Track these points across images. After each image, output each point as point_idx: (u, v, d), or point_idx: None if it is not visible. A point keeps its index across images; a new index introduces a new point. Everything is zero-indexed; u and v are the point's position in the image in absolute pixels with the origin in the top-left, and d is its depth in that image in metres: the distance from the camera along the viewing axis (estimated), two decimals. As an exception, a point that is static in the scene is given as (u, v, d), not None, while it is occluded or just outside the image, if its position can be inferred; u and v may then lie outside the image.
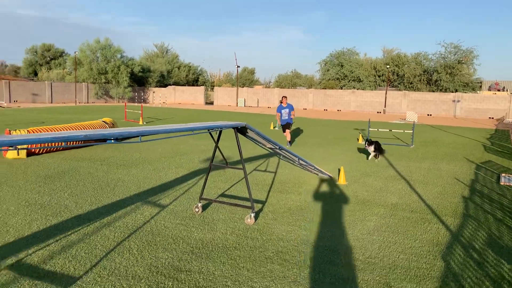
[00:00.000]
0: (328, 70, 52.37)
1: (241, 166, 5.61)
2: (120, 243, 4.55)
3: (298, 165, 8.04)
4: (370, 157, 10.67)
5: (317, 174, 8.49)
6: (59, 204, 5.93)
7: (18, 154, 9.25)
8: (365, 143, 10.62)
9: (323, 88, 47.97)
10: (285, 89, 48.83)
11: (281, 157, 8.57)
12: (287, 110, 13.00)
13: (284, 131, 13.22)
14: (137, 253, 4.29)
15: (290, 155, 7.36)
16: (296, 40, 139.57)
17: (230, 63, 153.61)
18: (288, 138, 13.14)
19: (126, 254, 4.26)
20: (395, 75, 47.55)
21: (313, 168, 7.96)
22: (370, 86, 47.83)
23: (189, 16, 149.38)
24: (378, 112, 39.54)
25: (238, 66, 52.15)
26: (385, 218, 5.79)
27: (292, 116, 13.00)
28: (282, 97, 13.24)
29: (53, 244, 4.46)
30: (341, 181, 7.94)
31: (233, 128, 5.49)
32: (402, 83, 47.26)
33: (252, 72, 67.42)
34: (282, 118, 13.08)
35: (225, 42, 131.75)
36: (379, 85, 48.05)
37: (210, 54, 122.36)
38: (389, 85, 46.31)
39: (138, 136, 4.09)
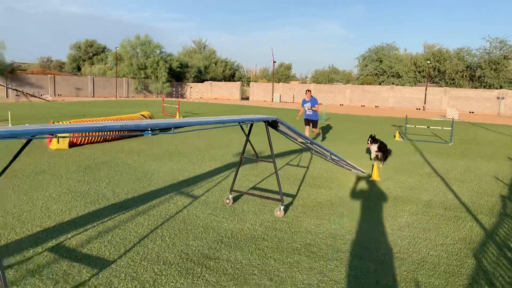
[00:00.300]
0: (366, 65, 51.49)
1: (271, 160, 5.68)
2: (153, 230, 4.73)
3: (330, 160, 8.02)
4: (372, 156, 9.40)
5: (350, 170, 8.43)
6: (97, 193, 6.20)
7: (58, 142, 9.69)
8: (368, 140, 9.55)
9: (360, 84, 47.22)
10: (322, 84, 48.39)
11: (313, 151, 8.57)
12: (309, 104, 12.23)
13: (306, 126, 12.41)
14: (169, 240, 4.45)
15: (322, 150, 7.36)
16: (334, 35, 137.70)
17: (267, 59, 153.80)
18: (317, 131, 12.61)
19: (158, 241, 4.42)
20: (436, 71, 46.14)
21: (345, 163, 7.92)
22: (409, 82, 46.66)
23: (227, 12, 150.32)
24: (417, 109, 38.54)
25: (274, 62, 52.16)
26: (417, 214, 5.71)
27: (314, 109, 12.14)
28: (306, 91, 12.55)
29: (90, 229, 4.69)
30: (374, 177, 7.86)
31: (264, 121, 5.55)
32: (443, 79, 45.81)
33: (288, 67, 67.18)
34: (306, 113, 12.38)
35: (262, 38, 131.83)
36: (419, 81, 46.77)
37: (247, 49, 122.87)
38: (430, 81, 44.99)
39: (171, 128, 4.24)
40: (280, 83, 49.96)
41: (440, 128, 15.49)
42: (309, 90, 12.60)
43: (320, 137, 12.94)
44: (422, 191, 7.06)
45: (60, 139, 9.64)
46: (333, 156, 7.49)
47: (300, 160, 9.58)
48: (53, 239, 4.36)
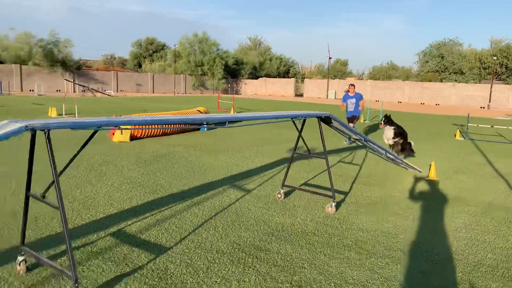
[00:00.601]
0: (427, 61, 49.64)
1: (324, 156, 5.68)
2: (207, 220, 4.91)
3: (385, 158, 7.87)
4: (389, 143, 8.56)
5: (406, 169, 8.22)
6: (155, 183, 6.50)
7: (121, 133, 10.22)
8: (381, 120, 8.85)
9: (420, 81, 45.49)
10: (379, 81, 47.15)
11: (368, 149, 8.44)
12: (353, 100, 11.41)
13: (349, 123, 11.57)
14: (221, 230, 4.61)
15: (377, 148, 7.24)
16: (394, 30, 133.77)
17: (323, 55, 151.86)
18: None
19: (212, 230, 4.59)
20: (503, 67, 43.48)
21: (401, 162, 7.74)
22: (473, 79, 44.33)
23: (284, 8, 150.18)
24: (481, 107, 36.57)
25: (330, 58, 51.51)
26: (476, 216, 5.49)
27: (360, 108, 11.36)
28: (349, 85, 11.66)
29: (148, 217, 4.95)
30: (432, 176, 7.61)
31: (317, 117, 5.56)
32: (510, 76, 43.10)
33: (345, 63, 66.02)
34: (348, 110, 11.55)
35: (318, 33, 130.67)
36: (484, 78, 44.31)
37: (302, 45, 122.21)
38: (496, 78, 42.48)
39: (225, 122, 4.38)
40: (335, 79, 49.27)
41: (505, 127, 14.65)
42: (352, 85, 11.76)
43: (347, 142, 11.44)
44: (482, 192, 6.76)
45: (123, 132, 10.17)
46: (388, 154, 7.35)
47: (354, 157, 9.46)
48: (115, 225, 4.65)
